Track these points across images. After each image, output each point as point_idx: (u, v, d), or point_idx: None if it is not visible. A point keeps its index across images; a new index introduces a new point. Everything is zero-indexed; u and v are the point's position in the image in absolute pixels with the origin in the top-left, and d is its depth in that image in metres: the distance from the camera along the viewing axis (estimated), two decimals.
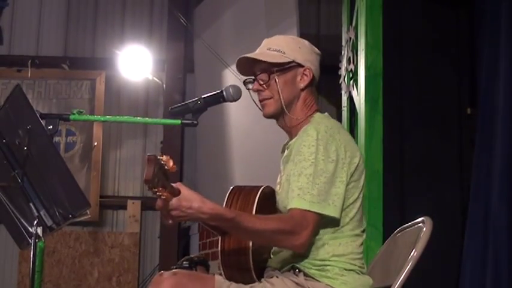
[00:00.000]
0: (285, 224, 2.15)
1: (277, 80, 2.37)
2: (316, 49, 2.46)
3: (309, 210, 2.15)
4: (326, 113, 2.41)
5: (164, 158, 1.99)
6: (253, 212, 2.28)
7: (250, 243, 2.25)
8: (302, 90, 2.39)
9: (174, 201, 2.02)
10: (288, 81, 2.38)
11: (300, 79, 2.38)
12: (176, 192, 2.04)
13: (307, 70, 2.38)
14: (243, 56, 2.41)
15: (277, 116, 2.42)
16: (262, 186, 2.37)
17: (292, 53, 2.38)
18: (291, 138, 2.41)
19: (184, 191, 2.04)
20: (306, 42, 2.46)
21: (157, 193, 1.96)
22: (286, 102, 2.37)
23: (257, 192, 2.32)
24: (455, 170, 4.41)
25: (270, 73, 2.38)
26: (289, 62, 2.37)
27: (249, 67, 2.44)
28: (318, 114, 2.37)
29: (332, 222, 2.25)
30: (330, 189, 2.19)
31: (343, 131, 2.33)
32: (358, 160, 2.29)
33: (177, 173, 6.56)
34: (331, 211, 2.19)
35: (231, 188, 2.37)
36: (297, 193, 2.18)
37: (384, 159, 4.01)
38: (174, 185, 2.05)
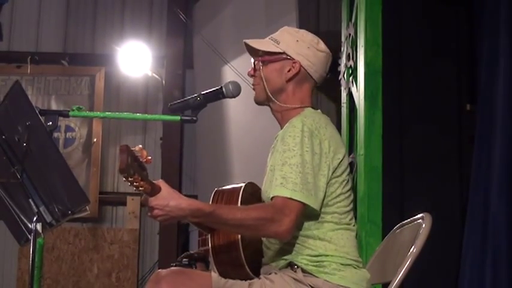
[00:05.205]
0: (266, 211, 2.15)
1: (262, 68, 2.43)
2: (321, 47, 2.46)
3: (291, 198, 2.15)
4: (319, 110, 2.42)
5: (137, 148, 1.99)
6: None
7: (239, 238, 2.25)
8: (287, 81, 2.41)
9: (151, 200, 2.05)
10: (275, 71, 2.42)
11: (288, 71, 2.40)
12: (157, 189, 2.05)
13: (296, 63, 2.40)
14: (244, 41, 2.48)
15: (265, 103, 2.47)
16: (244, 183, 2.38)
17: (286, 45, 2.42)
18: (281, 129, 2.42)
19: (164, 189, 2.07)
20: (309, 37, 2.46)
21: (134, 183, 1.96)
22: (272, 91, 2.42)
23: (239, 190, 2.33)
24: (455, 167, 4.42)
25: (260, 61, 2.44)
26: (278, 53, 2.41)
27: (253, 53, 2.50)
28: (308, 109, 2.39)
29: (313, 216, 2.25)
30: (312, 181, 2.19)
31: (330, 127, 2.33)
32: (342, 156, 2.30)
33: (176, 169, 6.59)
34: (313, 202, 2.19)
35: (213, 192, 2.38)
36: (280, 182, 2.18)
37: (383, 156, 4.01)
38: (155, 182, 2.06)
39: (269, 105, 2.47)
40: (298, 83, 2.42)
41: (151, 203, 2.06)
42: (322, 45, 2.46)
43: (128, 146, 1.94)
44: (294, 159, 2.19)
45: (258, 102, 2.49)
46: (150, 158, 2.03)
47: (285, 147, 2.23)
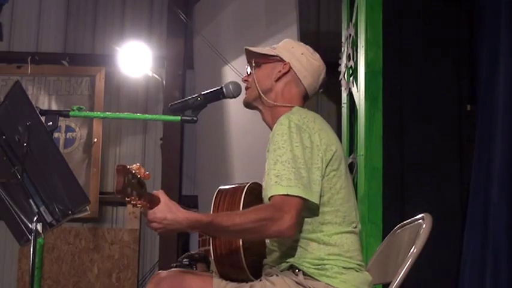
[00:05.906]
0: (265, 212, 2.13)
1: (255, 70, 2.49)
2: (316, 57, 2.51)
3: (287, 195, 2.14)
4: (305, 109, 2.44)
5: (135, 166, 1.99)
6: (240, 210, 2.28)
7: (241, 242, 2.25)
8: (276, 81, 2.46)
9: (149, 214, 2.06)
10: (267, 72, 2.48)
11: (278, 71, 2.46)
12: (156, 201, 2.05)
13: (286, 64, 2.46)
14: (245, 47, 2.54)
15: (254, 105, 2.51)
16: (247, 183, 2.37)
17: (281, 49, 2.49)
18: None
19: (163, 201, 2.07)
20: (306, 47, 2.52)
21: (132, 202, 1.97)
22: (262, 90, 2.46)
23: (242, 190, 2.33)
24: (455, 167, 4.41)
25: (254, 61, 2.51)
26: (272, 55, 2.48)
27: (251, 57, 2.56)
28: (295, 107, 2.41)
29: (314, 211, 2.25)
30: (306, 174, 2.18)
31: (319, 120, 2.34)
32: (335, 148, 2.29)
33: (176, 169, 6.58)
34: (310, 196, 2.17)
35: (216, 191, 2.38)
36: (275, 181, 2.17)
37: (383, 156, 4.01)
38: (155, 192, 2.06)
39: (259, 109, 2.50)
40: (287, 85, 2.46)
41: (149, 216, 2.07)
42: (317, 56, 2.51)
43: (124, 166, 1.94)
44: (284, 156, 2.19)
45: (248, 102, 2.52)
46: (148, 173, 2.03)
47: (274, 146, 2.23)
